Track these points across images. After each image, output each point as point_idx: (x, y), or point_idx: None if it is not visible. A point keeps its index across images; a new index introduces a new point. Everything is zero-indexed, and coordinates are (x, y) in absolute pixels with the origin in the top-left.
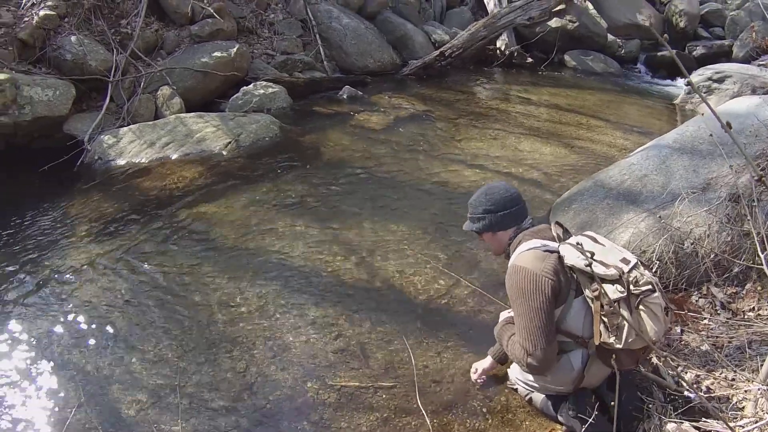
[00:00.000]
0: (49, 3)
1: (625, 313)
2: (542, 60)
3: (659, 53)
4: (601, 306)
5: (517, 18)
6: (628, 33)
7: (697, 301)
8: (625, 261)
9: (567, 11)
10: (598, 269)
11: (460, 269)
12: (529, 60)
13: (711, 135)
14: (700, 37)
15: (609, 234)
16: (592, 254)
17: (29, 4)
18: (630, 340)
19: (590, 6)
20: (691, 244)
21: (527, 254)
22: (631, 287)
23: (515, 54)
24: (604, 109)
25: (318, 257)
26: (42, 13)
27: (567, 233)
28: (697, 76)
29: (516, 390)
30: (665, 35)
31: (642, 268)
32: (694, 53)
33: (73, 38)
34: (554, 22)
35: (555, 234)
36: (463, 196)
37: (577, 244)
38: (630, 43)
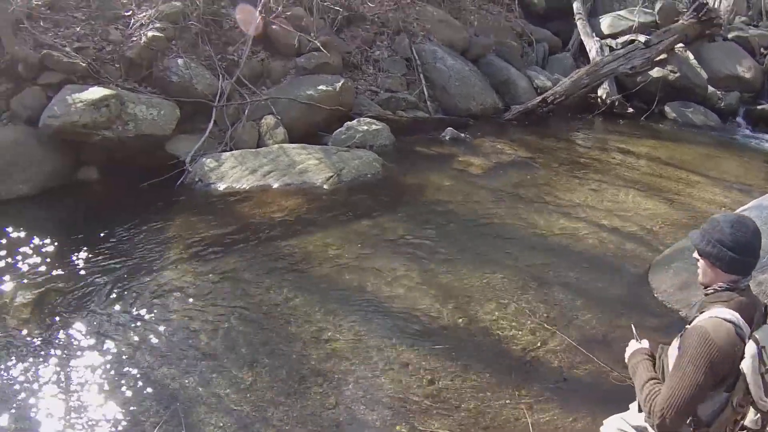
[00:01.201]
0: (158, 25)
1: None
2: (643, 110)
3: (759, 106)
4: (735, 421)
5: (619, 66)
6: (728, 85)
7: None
8: None
9: (669, 61)
10: (758, 392)
11: (556, 322)
12: (630, 110)
13: None
14: None
15: None
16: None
17: (138, 24)
18: None
19: (691, 56)
20: None
21: (723, 326)
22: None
23: (616, 103)
24: (703, 164)
25: (415, 299)
26: (150, 34)
27: (765, 317)
28: None
29: None
30: None
31: None
32: None
33: (180, 61)
34: (656, 72)
35: (756, 318)
36: (563, 248)
37: (762, 348)
38: (730, 96)
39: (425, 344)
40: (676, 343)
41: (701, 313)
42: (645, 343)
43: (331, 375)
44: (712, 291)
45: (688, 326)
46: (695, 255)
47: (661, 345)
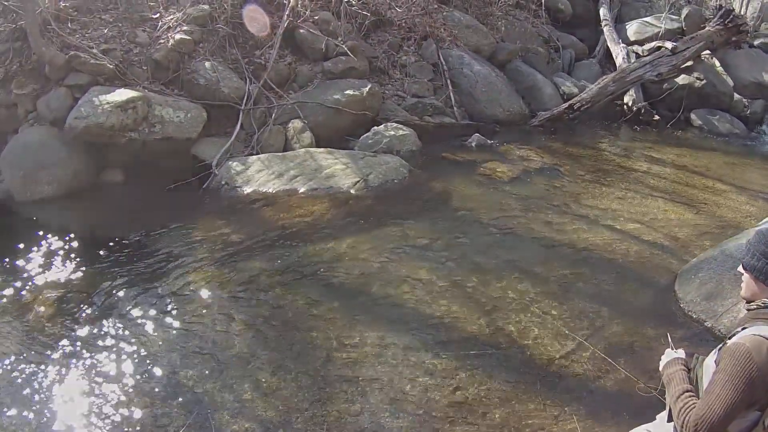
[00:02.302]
0: (185, 28)
1: None
2: (668, 118)
3: None
4: None
5: (646, 73)
6: (754, 92)
7: None
8: None
9: (695, 68)
10: None
11: (582, 331)
12: (656, 117)
13: None
14: None
15: (734, 306)
16: None
17: (165, 27)
18: None
19: (717, 63)
20: None
21: (764, 345)
22: None
23: (642, 110)
24: (729, 172)
25: (441, 306)
26: (177, 36)
27: None
28: None
29: None
30: None
31: None
32: None
33: (207, 64)
34: (682, 79)
35: None
36: (589, 256)
37: None
38: (755, 104)
39: (451, 352)
40: (713, 356)
41: (743, 328)
42: (681, 353)
43: (355, 381)
44: (755, 307)
45: (727, 341)
46: (739, 269)
47: (696, 355)
